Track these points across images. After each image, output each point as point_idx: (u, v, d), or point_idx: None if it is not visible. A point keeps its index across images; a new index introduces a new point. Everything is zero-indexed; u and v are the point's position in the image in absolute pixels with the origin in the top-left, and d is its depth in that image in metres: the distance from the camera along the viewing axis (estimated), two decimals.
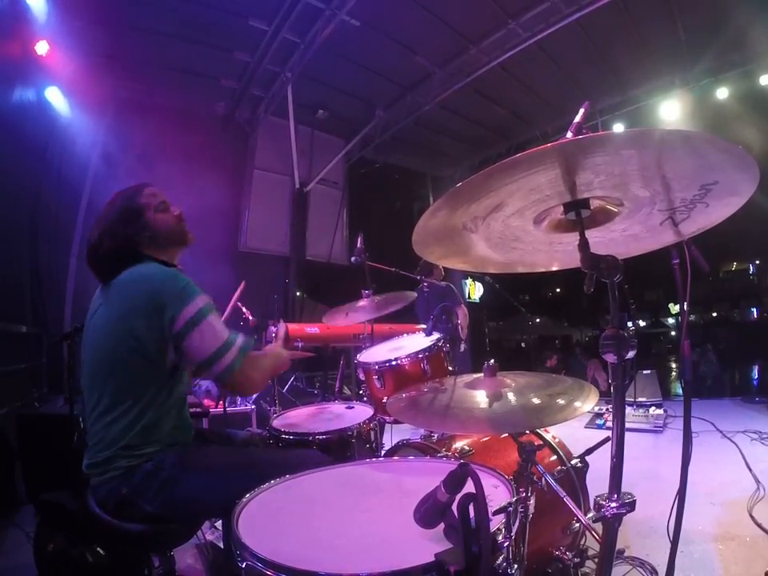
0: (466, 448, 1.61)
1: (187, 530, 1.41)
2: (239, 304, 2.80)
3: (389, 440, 2.25)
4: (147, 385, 1.28)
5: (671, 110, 6.24)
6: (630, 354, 0.88)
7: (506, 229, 1.01)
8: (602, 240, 1.06)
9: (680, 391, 6.23)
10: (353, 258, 2.77)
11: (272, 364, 1.55)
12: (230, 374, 1.30)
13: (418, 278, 4.15)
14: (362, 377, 1.96)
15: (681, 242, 1.15)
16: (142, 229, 1.40)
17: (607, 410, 4.22)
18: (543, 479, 1.15)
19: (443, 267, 4.32)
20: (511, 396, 1.12)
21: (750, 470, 2.83)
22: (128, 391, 1.27)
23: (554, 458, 1.66)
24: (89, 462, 1.30)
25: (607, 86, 6.31)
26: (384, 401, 1.76)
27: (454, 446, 1.64)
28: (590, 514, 0.93)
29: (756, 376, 6.46)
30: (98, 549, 1.26)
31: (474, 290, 9.51)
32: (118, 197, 1.45)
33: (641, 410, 4.30)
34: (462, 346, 3.73)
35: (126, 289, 1.32)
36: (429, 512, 0.73)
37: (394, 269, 3.28)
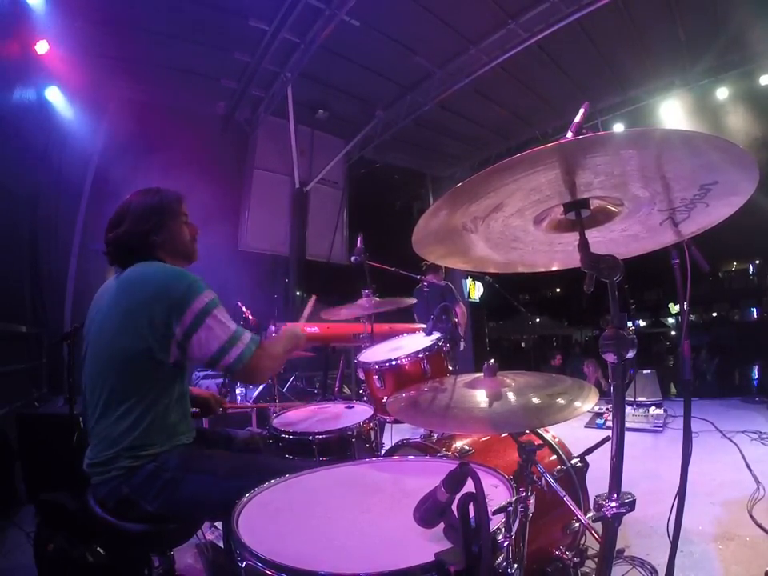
0: (466, 448, 1.61)
1: (187, 530, 1.41)
2: (240, 303, 2.80)
3: (389, 440, 2.24)
4: (150, 383, 1.29)
5: (671, 110, 6.24)
6: (630, 354, 0.89)
7: (506, 229, 1.01)
8: (602, 240, 1.06)
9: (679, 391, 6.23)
10: (353, 258, 2.77)
11: (286, 346, 1.57)
12: (241, 364, 1.31)
13: (418, 277, 4.17)
14: (362, 376, 1.96)
15: (681, 241, 1.15)
16: (162, 230, 1.43)
17: (607, 409, 4.23)
18: (543, 479, 1.16)
19: (443, 267, 4.36)
20: (511, 396, 1.12)
21: (750, 470, 2.83)
22: (131, 390, 1.28)
23: (554, 457, 1.66)
24: (90, 461, 1.29)
25: (607, 86, 6.31)
26: (384, 400, 1.76)
27: (453, 446, 1.64)
28: (590, 514, 0.93)
29: (756, 376, 6.45)
30: (98, 549, 1.26)
31: (474, 290, 9.51)
32: (157, 192, 1.48)
33: (641, 410, 4.30)
34: (462, 345, 3.74)
35: (132, 286, 1.33)
36: (429, 512, 0.73)
37: (394, 269, 3.28)
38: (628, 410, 4.13)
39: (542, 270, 1.25)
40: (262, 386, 3.79)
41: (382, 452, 1.92)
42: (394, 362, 1.83)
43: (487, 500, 0.68)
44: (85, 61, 4.42)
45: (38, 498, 1.43)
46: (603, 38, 5.32)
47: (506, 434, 1.59)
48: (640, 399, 4.57)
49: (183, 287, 1.29)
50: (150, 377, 1.29)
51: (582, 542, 1.63)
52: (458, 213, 0.92)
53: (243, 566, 0.77)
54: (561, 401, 1.07)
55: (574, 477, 1.57)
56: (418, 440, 1.75)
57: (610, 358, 0.89)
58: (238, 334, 1.34)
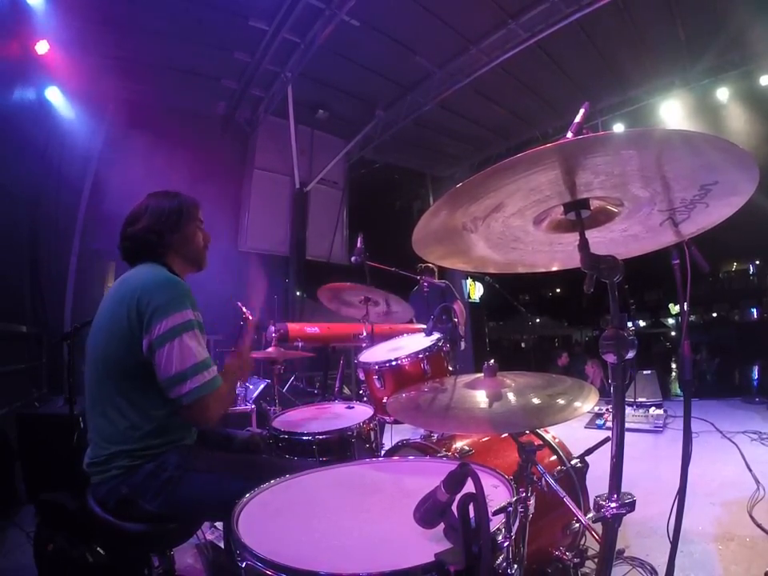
0: (466, 448, 1.61)
1: (187, 530, 1.41)
2: (240, 304, 2.79)
3: (389, 440, 2.24)
4: (145, 385, 1.28)
5: (671, 110, 6.24)
6: (630, 354, 0.88)
7: (506, 229, 1.01)
8: (602, 240, 1.06)
9: (679, 391, 6.24)
10: (353, 258, 2.78)
11: (234, 386, 1.48)
12: (192, 399, 1.23)
13: (418, 277, 4.19)
14: (362, 377, 1.96)
15: (681, 242, 1.15)
16: (178, 231, 1.43)
17: (607, 410, 4.23)
18: (543, 479, 1.15)
19: (439, 267, 4.38)
20: (511, 396, 1.12)
21: (750, 470, 2.83)
22: (127, 390, 1.27)
23: (554, 458, 1.66)
24: (90, 460, 1.29)
25: (607, 86, 6.31)
26: (384, 401, 1.76)
27: (454, 446, 1.64)
28: (590, 514, 0.93)
29: (756, 376, 6.43)
30: (98, 549, 1.26)
31: (474, 290, 9.50)
32: (176, 195, 1.48)
33: (641, 410, 4.30)
34: (462, 344, 3.75)
35: (122, 291, 1.32)
36: (429, 512, 0.73)
37: (393, 269, 3.28)
38: (628, 410, 4.13)
39: (542, 270, 1.25)
40: (262, 386, 3.78)
41: (382, 452, 1.92)
42: (394, 363, 1.83)
43: (487, 500, 0.68)
44: (85, 61, 4.42)
45: (38, 498, 1.43)
46: (603, 38, 5.33)
47: (506, 435, 1.59)
48: (640, 399, 4.58)
49: (164, 299, 1.25)
50: (143, 379, 1.27)
51: (582, 542, 1.63)
52: (458, 213, 0.92)
53: (243, 566, 0.77)
54: (561, 401, 1.07)
55: (574, 477, 1.57)
56: (418, 440, 1.75)
57: (610, 358, 0.89)
58: (203, 366, 1.25)
